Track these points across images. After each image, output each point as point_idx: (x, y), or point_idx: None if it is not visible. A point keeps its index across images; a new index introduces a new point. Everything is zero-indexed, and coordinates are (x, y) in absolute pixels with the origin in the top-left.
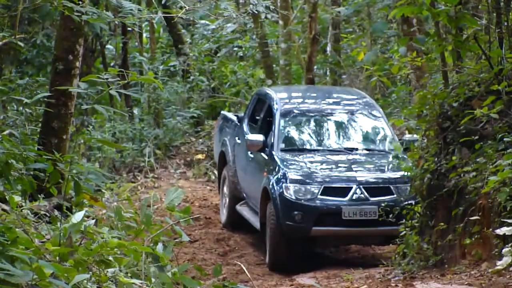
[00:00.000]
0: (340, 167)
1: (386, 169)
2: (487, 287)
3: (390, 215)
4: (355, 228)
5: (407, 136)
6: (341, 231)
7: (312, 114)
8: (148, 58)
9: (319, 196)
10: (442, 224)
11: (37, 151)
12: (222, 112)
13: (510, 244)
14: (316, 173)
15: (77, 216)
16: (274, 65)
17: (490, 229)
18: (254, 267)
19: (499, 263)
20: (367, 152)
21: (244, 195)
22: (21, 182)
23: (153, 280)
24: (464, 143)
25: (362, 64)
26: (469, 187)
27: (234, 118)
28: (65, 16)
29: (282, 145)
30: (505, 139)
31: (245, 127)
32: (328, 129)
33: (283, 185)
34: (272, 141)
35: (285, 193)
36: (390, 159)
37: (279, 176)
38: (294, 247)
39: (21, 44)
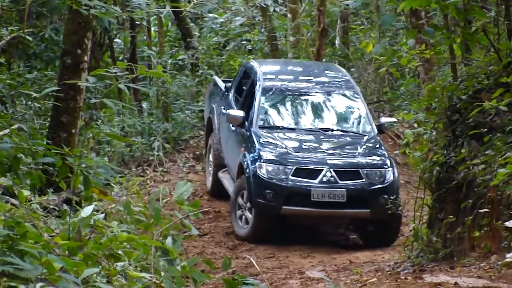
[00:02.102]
0: (313, 148)
1: (357, 153)
2: (497, 280)
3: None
4: (324, 209)
5: (384, 119)
6: (310, 212)
7: (292, 93)
8: (157, 52)
9: (290, 177)
10: (451, 216)
11: (46, 145)
12: (214, 76)
13: None
14: (290, 154)
15: (86, 210)
16: (282, 58)
17: (499, 222)
18: (263, 261)
19: (508, 255)
20: (342, 133)
21: (226, 163)
22: (30, 176)
23: (162, 274)
24: (473, 136)
25: (370, 57)
26: (478, 179)
27: (223, 86)
28: (73, 10)
29: (261, 122)
30: None
31: (231, 98)
32: (306, 108)
33: (257, 163)
34: (252, 117)
35: (258, 171)
36: (364, 140)
37: (254, 155)
38: (267, 223)
39: (30, 38)
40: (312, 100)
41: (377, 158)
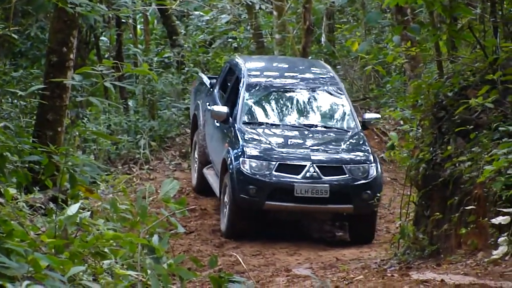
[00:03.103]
0: (296, 144)
1: (340, 149)
2: (483, 277)
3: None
4: (307, 205)
5: (368, 115)
6: (293, 207)
7: (277, 89)
8: (143, 49)
9: (273, 172)
10: (437, 214)
11: (32, 144)
12: (199, 73)
13: (506, 234)
14: (273, 149)
15: (73, 208)
16: None
17: (486, 219)
18: (250, 258)
19: (495, 252)
20: (326, 129)
21: (211, 159)
22: (16, 174)
23: (149, 271)
24: (459, 133)
25: (356, 54)
26: (464, 176)
27: (208, 82)
28: (59, 8)
29: (245, 118)
30: (500, 128)
31: (216, 94)
32: (290, 105)
33: (241, 159)
34: (236, 113)
35: (241, 167)
36: (348, 136)
37: (238, 151)
38: (248, 218)
39: (15, 36)
40: (296, 97)
41: (361, 154)
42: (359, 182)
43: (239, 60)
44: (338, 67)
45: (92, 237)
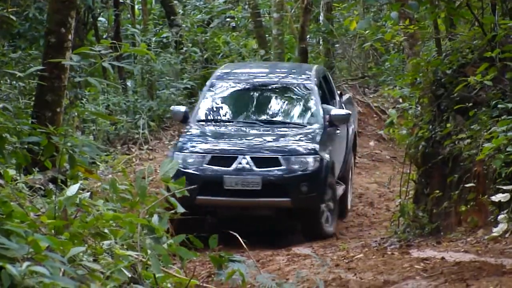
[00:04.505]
0: (237, 138)
1: (282, 142)
2: (483, 254)
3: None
4: (238, 198)
5: (334, 111)
6: (224, 201)
7: (242, 87)
8: (141, 30)
9: (205, 165)
10: (437, 191)
11: (31, 125)
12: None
13: (505, 211)
14: (208, 143)
15: (72, 189)
16: (266, 35)
17: (486, 196)
18: (249, 237)
19: (494, 229)
20: (282, 125)
21: None
22: (15, 155)
23: (149, 252)
24: (458, 110)
25: (355, 33)
26: (464, 154)
27: None
28: None
29: (201, 117)
30: (499, 105)
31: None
32: (253, 102)
33: (175, 154)
34: (193, 112)
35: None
36: (303, 131)
37: (176, 146)
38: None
39: (13, 17)
40: (261, 94)
41: (304, 145)
42: (295, 174)
43: (223, 67)
44: (337, 45)
45: (91, 218)
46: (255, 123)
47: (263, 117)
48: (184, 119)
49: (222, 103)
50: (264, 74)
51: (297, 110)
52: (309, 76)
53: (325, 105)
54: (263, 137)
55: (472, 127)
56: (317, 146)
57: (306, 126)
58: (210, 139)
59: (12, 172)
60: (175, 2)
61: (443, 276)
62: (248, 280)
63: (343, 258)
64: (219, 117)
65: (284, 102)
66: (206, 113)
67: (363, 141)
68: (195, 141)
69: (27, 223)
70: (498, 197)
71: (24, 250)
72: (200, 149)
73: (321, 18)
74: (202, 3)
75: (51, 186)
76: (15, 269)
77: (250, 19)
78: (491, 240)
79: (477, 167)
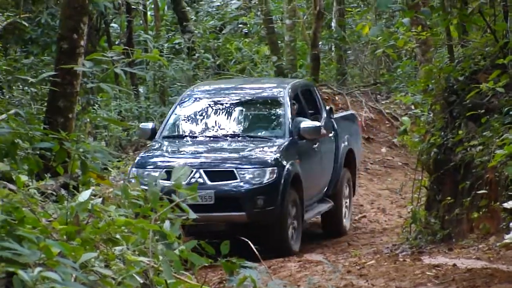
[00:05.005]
0: (195, 153)
1: (239, 155)
2: (495, 261)
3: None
4: None
5: (304, 124)
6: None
7: (209, 103)
8: (153, 36)
9: (159, 181)
10: (449, 198)
11: (43, 130)
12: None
13: None
14: (164, 158)
15: (84, 195)
16: (279, 42)
17: (498, 203)
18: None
19: (506, 236)
20: (248, 138)
21: None
22: (28, 161)
23: (160, 257)
24: (470, 117)
25: (367, 39)
26: (475, 161)
27: None
28: None
29: (166, 133)
30: (511, 112)
31: None
32: (219, 118)
33: (132, 169)
34: (160, 129)
35: (130, 177)
36: (267, 144)
37: (134, 162)
38: None
39: (26, 23)
40: (229, 109)
41: (261, 157)
42: (250, 187)
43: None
44: (349, 52)
45: (103, 224)
46: (220, 137)
47: (229, 131)
48: (152, 135)
49: (189, 119)
50: (236, 90)
51: (264, 124)
52: (281, 90)
53: (298, 118)
54: (224, 152)
55: (484, 133)
56: (275, 158)
57: (271, 139)
58: (168, 154)
59: (24, 178)
60: (187, 8)
61: (455, 283)
62: (260, 286)
63: (355, 264)
64: (184, 133)
65: (252, 117)
66: (172, 129)
67: (375, 148)
68: (154, 156)
69: (39, 229)
70: (510, 204)
71: (36, 256)
72: (156, 165)
73: (333, 24)
74: (214, 9)
75: (63, 192)
76: (27, 274)
77: (262, 25)
78: (503, 247)
79: (489, 174)
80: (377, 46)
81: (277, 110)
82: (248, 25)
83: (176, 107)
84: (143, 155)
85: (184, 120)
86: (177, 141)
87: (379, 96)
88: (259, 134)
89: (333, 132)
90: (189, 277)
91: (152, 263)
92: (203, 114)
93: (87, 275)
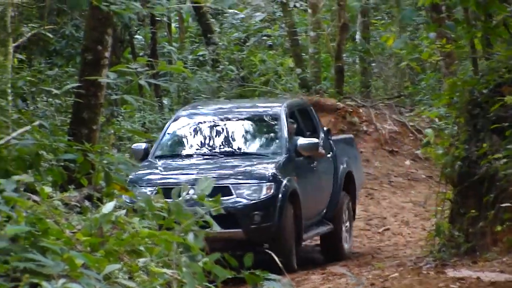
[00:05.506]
0: (189, 170)
1: (235, 171)
2: None
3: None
4: None
5: (301, 141)
6: None
7: (203, 122)
8: (177, 47)
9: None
10: (473, 211)
11: (67, 142)
12: None
13: None
14: (156, 176)
15: (108, 207)
16: (303, 54)
17: None
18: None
19: None
20: (244, 156)
21: None
22: (52, 173)
23: (184, 269)
24: (495, 130)
25: (391, 51)
26: (500, 174)
27: None
28: (94, 7)
29: (159, 152)
30: None
31: None
32: (214, 136)
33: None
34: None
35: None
36: (263, 160)
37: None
38: None
39: (50, 35)
40: (224, 128)
41: (258, 173)
42: (247, 203)
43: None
44: (373, 64)
45: (127, 235)
46: (215, 155)
47: (224, 149)
48: (145, 156)
49: (183, 138)
50: (231, 109)
51: (261, 141)
52: (278, 107)
53: (296, 137)
54: (219, 168)
55: (508, 146)
56: (272, 174)
57: (268, 156)
58: (161, 173)
59: (48, 189)
60: (212, 20)
61: None
62: None
63: (378, 277)
64: (178, 152)
65: (248, 134)
66: (165, 149)
67: (398, 160)
68: (146, 175)
69: (63, 240)
70: None
71: (60, 267)
72: (148, 183)
73: (357, 37)
74: (239, 21)
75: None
76: (51, 286)
77: (286, 37)
78: None
79: None
80: (401, 58)
81: (274, 126)
82: (272, 37)
83: (168, 127)
84: (135, 174)
85: (177, 139)
86: (170, 160)
87: (403, 108)
88: (255, 151)
89: (331, 153)
90: None
91: (176, 275)
92: (197, 133)
93: (110, 286)
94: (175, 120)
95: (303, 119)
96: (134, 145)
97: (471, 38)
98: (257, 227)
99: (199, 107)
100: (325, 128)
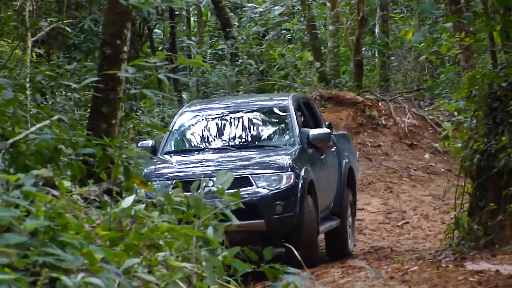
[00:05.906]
0: (205, 163)
1: (253, 162)
2: None
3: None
4: None
5: (313, 131)
6: None
7: (212, 116)
8: (196, 41)
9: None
10: (492, 204)
11: (86, 136)
12: None
13: None
14: (174, 170)
15: (127, 201)
16: (322, 48)
17: None
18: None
19: None
20: (257, 148)
21: None
22: (71, 167)
23: (203, 263)
24: None
25: (410, 45)
26: None
27: None
28: (112, 1)
29: (169, 148)
30: None
31: None
32: (224, 129)
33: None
34: (161, 144)
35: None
36: (277, 151)
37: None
38: None
39: (69, 29)
40: (234, 121)
41: (277, 163)
42: (268, 192)
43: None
44: (392, 58)
45: (147, 230)
46: (228, 148)
47: (237, 142)
48: (153, 153)
49: (192, 133)
50: (238, 103)
51: (272, 133)
52: (285, 99)
53: (304, 129)
54: (235, 160)
55: None
56: (291, 163)
57: (282, 147)
58: (176, 167)
59: (67, 183)
60: (230, 14)
61: None
62: None
63: (397, 270)
64: (189, 147)
65: (258, 127)
66: (174, 144)
67: (418, 154)
68: (160, 169)
69: (82, 235)
70: None
71: (79, 262)
72: (164, 176)
73: (376, 30)
74: (257, 15)
75: (106, 197)
76: (70, 280)
77: (305, 31)
78: None
79: None
80: (421, 52)
81: (284, 118)
82: (291, 31)
83: (175, 122)
84: (149, 169)
85: (186, 134)
86: (182, 155)
87: (422, 102)
88: (269, 143)
89: (335, 147)
90: (233, 283)
91: (195, 269)
92: (205, 127)
93: (130, 280)
94: (181, 115)
95: (307, 112)
96: (141, 142)
97: (490, 31)
98: (279, 217)
99: (206, 102)
100: (327, 122)
